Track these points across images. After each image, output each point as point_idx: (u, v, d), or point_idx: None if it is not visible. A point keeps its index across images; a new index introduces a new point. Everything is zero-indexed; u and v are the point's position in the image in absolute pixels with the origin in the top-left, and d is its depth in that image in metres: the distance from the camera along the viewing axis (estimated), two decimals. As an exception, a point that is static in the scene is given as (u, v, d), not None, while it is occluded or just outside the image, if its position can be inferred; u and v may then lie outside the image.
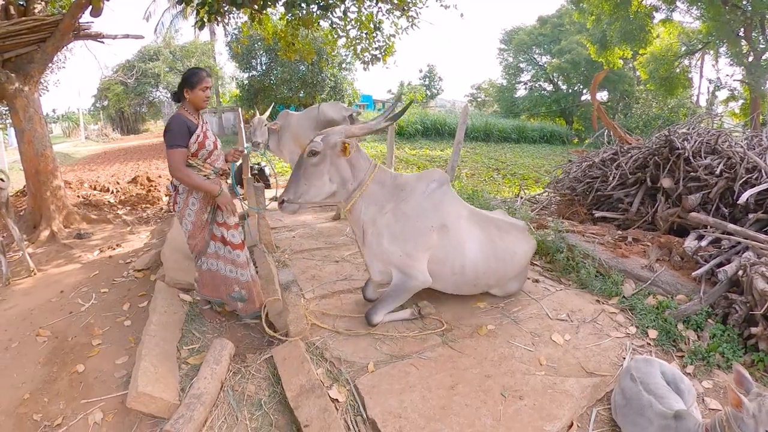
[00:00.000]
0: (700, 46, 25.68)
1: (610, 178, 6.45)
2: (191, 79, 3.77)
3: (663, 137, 6.35)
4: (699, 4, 21.89)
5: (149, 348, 3.49)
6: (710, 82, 30.89)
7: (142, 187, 11.43)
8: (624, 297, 4.31)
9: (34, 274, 5.87)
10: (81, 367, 3.73)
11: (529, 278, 4.71)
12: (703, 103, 32.20)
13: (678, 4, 23.16)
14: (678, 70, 25.95)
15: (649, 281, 4.43)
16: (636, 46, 23.58)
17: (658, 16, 23.99)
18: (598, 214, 6.27)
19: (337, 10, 8.03)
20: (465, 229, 3.89)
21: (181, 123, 3.69)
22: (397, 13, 8.54)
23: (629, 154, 6.63)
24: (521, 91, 42.49)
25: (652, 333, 3.76)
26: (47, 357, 3.95)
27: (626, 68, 32.80)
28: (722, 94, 29.49)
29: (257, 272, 4.57)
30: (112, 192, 10.92)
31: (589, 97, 37.03)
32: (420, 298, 4.08)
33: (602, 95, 36.06)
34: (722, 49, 25.12)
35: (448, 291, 4.06)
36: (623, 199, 6.28)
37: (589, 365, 3.36)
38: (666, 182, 5.80)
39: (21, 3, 7.96)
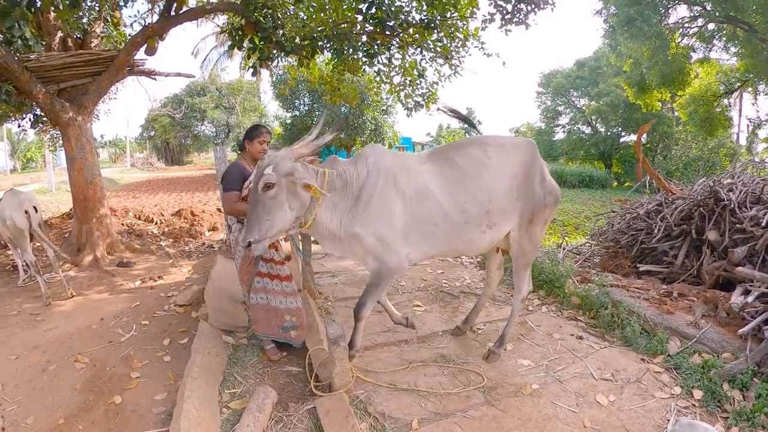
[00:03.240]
0: (738, 85, 25.36)
1: (655, 231, 6.37)
2: (252, 132, 4.28)
3: (708, 188, 6.29)
4: (736, 41, 21.72)
5: (192, 390, 3.47)
6: (750, 121, 30.48)
7: (186, 220, 11.67)
8: (669, 355, 4.21)
9: (72, 296, 6.04)
10: (118, 398, 3.75)
11: (572, 335, 4.67)
12: (743, 141, 31.74)
13: (715, 42, 23.04)
14: (718, 110, 25.58)
15: (695, 339, 4.32)
16: (675, 88, 23.41)
17: (695, 56, 23.86)
18: (642, 268, 6.17)
19: (382, 56, 8.20)
20: (423, 175, 3.71)
21: (237, 170, 4.15)
22: (441, 60, 8.67)
23: (674, 205, 6.56)
24: (559, 135, 42.27)
25: (697, 393, 3.67)
26: (84, 384, 3.99)
27: (664, 109, 32.43)
28: (763, 132, 29.12)
29: None
30: (156, 223, 11.19)
31: (627, 140, 36.87)
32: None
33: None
34: (761, 87, 24.84)
35: (459, 248, 3.94)
36: (668, 252, 6.19)
37: (634, 428, 3.30)
38: (712, 235, 5.71)
39: (78, 36, 8.37)
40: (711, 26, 22.34)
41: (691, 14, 22.11)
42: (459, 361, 4.13)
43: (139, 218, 11.52)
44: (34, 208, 6.20)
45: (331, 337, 3.39)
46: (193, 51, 33.99)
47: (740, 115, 31.11)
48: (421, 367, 4.04)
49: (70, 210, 10.45)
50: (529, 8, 7.60)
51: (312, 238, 5.73)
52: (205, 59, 34.18)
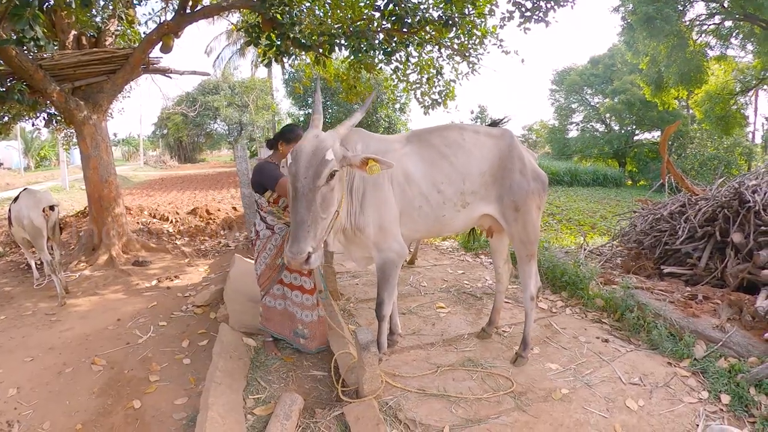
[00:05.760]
0: (754, 82, 25.16)
1: (680, 232, 6.28)
2: (289, 134, 4.03)
3: (732, 189, 6.20)
4: (753, 39, 21.60)
5: (216, 396, 3.37)
6: (766, 119, 30.32)
7: (201, 219, 11.65)
8: (695, 359, 4.14)
9: (64, 304, 5.86)
10: (137, 402, 3.69)
11: (598, 338, 4.60)
12: (758, 140, 31.53)
13: (732, 40, 22.93)
14: (734, 108, 25.40)
15: (720, 342, 4.25)
16: (692, 86, 23.28)
17: (711, 53, 23.75)
18: (667, 270, 6.09)
19: (399, 54, 8.15)
20: (404, 158, 3.68)
21: (272, 167, 3.95)
22: (458, 58, 8.59)
23: (697, 206, 6.47)
24: (573, 132, 42.12)
25: (725, 398, 3.62)
26: (102, 388, 3.94)
27: (680, 106, 32.24)
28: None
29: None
30: (171, 221, 11.17)
31: (642, 138, 36.67)
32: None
33: (656, 134, 35.52)
34: (777, 85, 24.75)
35: (437, 229, 3.95)
36: (691, 254, 6.09)
37: (664, 433, 3.25)
38: (736, 237, 5.61)
39: (92, 34, 8.34)
40: (728, 23, 22.19)
41: (709, 11, 21.98)
42: (487, 365, 4.07)
43: (155, 217, 11.51)
44: (51, 207, 6.16)
45: (362, 342, 3.32)
46: (206, 49, 34.13)
47: (756, 113, 30.93)
48: (449, 372, 3.98)
49: (85, 208, 10.46)
50: (548, 5, 7.49)
51: None
52: (217, 57, 34.38)
